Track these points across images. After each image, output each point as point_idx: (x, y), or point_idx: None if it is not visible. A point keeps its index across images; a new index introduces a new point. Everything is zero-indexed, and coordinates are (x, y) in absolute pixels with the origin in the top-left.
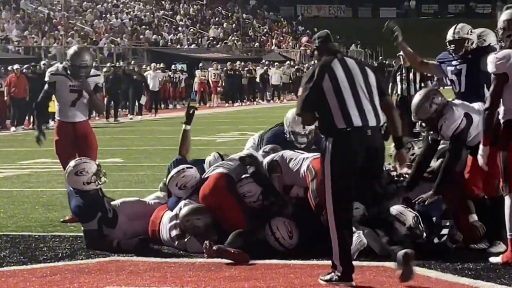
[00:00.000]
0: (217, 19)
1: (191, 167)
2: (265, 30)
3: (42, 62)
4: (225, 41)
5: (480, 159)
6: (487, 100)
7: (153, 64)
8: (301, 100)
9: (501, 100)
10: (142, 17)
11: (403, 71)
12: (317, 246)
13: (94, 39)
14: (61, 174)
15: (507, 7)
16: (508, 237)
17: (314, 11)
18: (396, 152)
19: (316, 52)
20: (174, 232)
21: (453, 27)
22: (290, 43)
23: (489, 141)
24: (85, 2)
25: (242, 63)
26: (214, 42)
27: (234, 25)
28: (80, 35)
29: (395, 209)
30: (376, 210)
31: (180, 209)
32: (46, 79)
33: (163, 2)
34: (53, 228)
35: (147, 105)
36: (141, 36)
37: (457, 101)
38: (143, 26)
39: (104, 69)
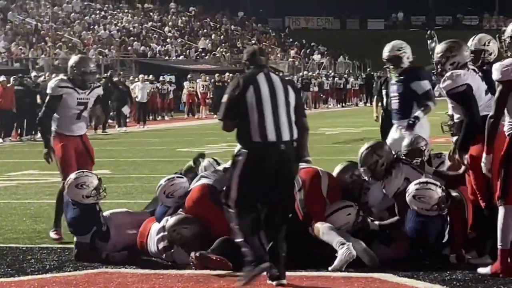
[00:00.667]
0: (205, 30)
1: (182, 177)
2: (254, 41)
3: (33, 74)
4: (214, 52)
5: (484, 167)
6: (492, 108)
7: (141, 76)
8: (224, 107)
9: (506, 111)
10: (130, 28)
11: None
12: (304, 256)
13: (82, 50)
14: (48, 186)
15: None
16: (499, 247)
17: (303, 23)
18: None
19: (245, 66)
20: (161, 245)
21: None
22: (279, 55)
23: (492, 149)
24: (73, 14)
25: (231, 75)
26: (203, 54)
27: (222, 36)
28: (68, 47)
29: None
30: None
31: (167, 220)
32: (51, 91)
33: (151, 14)
34: (40, 240)
35: (135, 117)
36: (129, 48)
37: (401, 165)
38: (131, 38)
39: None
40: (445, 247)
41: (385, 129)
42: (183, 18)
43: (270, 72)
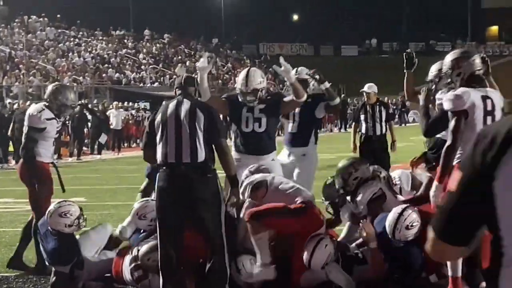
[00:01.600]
0: (180, 57)
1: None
2: (228, 68)
3: (8, 101)
4: None
5: (432, 198)
6: (448, 138)
7: (115, 103)
8: (143, 136)
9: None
10: (105, 55)
11: (368, 109)
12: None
13: (56, 77)
14: (23, 214)
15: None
16: (449, 275)
17: (277, 49)
18: (230, 190)
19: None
20: (136, 274)
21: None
22: None
23: (444, 178)
24: (47, 41)
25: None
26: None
27: (197, 63)
28: (42, 74)
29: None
30: None
31: (138, 250)
32: (35, 124)
33: (125, 41)
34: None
35: (110, 144)
36: (104, 75)
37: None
38: (106, 65)
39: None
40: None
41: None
42: (158, 45)
43: (184, 99)
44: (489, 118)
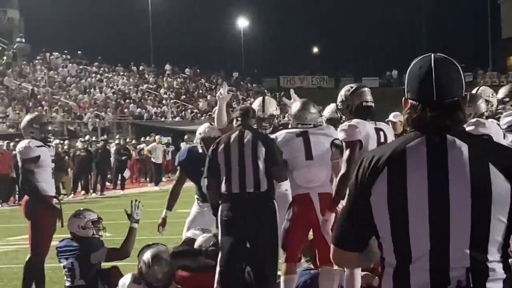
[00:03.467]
0: (201, 91)
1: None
2: (249, 101)
3: None
4: (209, 113)
5: (323, 226)
6: (342, 167)
7: (157, 137)
8: (206, 166)
9: None
10: (126, 90)
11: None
12: None
13: (78, 113)
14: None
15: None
16: None
17: (297, 82)
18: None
19: (235, 121)
20: None
21: None
22: None
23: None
24: (68, 77)
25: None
26: (199, 115)
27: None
28: (64, 110)
29: None
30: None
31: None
32: (27, 155)
33: (146, 76)
34: None
35: (151, 178)
36: (125, 110)
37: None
38: (127, 100)
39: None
40: None
41: None
42: (178, 79)
43: (246, 130)
44: None
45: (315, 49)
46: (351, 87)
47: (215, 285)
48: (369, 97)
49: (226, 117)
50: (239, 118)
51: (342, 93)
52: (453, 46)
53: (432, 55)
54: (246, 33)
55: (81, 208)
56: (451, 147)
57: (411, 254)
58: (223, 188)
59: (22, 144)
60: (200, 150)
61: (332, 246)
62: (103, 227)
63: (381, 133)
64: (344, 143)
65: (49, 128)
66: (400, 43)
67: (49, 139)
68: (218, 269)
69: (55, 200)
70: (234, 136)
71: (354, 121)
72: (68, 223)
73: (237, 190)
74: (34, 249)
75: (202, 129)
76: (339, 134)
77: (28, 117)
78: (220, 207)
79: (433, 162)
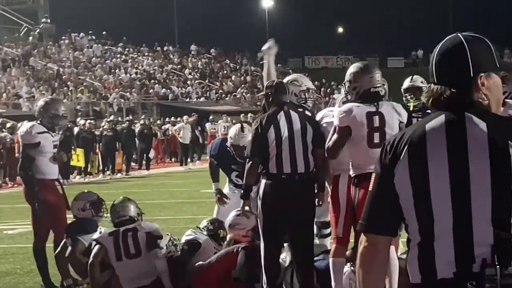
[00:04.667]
0: (225, 72)
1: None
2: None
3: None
4: (234, 93)
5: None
6: (328, 151)
7: (185, 117)
8: (250, 146)
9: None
10: (151, 71)
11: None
12: None
13: (103, 94)
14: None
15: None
16: None
17: (322, 62)
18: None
19: (266, 101)
20: None
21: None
22: None
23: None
24: (94, 58)
25: (252, 115)
26: (223, 95)
27: (242, 77)
28: (89, 91)
29: None
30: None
31: None
32: (27, 140)
33: (171, 56)
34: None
35: (179, 158)
36: (150, 91)
37: None
38: (152, 81)
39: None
40: None
41: None
42: (203, 60)
43: (290, 110)
44: (376, 135)
45: (340, 29)
46: (361, 69)
47: (262, 262)
48: (378, 82)
49: (275, 73)
50: (270, 94)
51: (351, 72)
52: (479, 26)
53: (460, 34)
54: (271, 13)
55: (85, 191)
56: (470, 125)
57: (434, 232)
58: (271, 168)
59: (24, 128)
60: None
61: (362, 236)
62: (105, 209)
63: (376, 117)
64: (334, 128)
65: (60, 122)
66: (425, 22)
67: (56, 128)
68: (262, 250)
69: (56, 183)
70: (280, 115)
71: (345, 107)
72: (71, 207)
73: (288, 171)
74: (34, 233)
75: (232, 133)
76: (334, 120)
77: (44, 101)
78: (264, 187)
79: (453, 141)
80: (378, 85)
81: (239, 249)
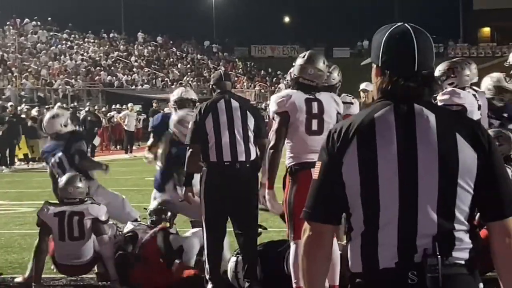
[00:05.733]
0: (171, 60)
1: None
2: (220, 70)
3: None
4: (180, 81)
5: (268, 204)
6: (272, 138)
7: (130, 105)
8: (189, 133)
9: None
10: (97, 58)
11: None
12: None
13: (48, 80)
14: (18, 216)
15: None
16: (294, 285)
17: (268, 51)
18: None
19: (212, 90)
20: None
21: None
22: (245, 83)
23: (273, 182)
24: (39, 44)
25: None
26: (169, 83)
27: (188, 65)
28: (34, 77)
29: None
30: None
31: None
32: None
33: (117, 43)
34: (12, 270)
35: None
36: (96, 78)
37: None
38: (98, 67)
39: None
40: None
41: None
42: (149, 47)
43: (231, 98)
44: (314, 121)
45: (287, 19)
46: (302, 58)
47: (205, 250)
48: (311, 73)
49: None
50: (214, 86)
51: (296, 63)
52: (424, 17)
53: (407, 25)
54: (218, 1)
55: (54, 108)
56: (419, 116)
57: (379, 222)
58: (211, 156)
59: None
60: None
61: (305, 224)
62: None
63: (314, 104)
64: (275, 115)
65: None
66: (371, 13)
67: None
68: (205, 239)
69: None
70: (221, 103)
71: (283, 93)
72: (46, 127)
73: (228, 159)
74: None
75: (177, 91)
76: (270, 105)
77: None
78: (206, 175)
79: (402, 131)
80: (309, 77)
81: (156, 232)
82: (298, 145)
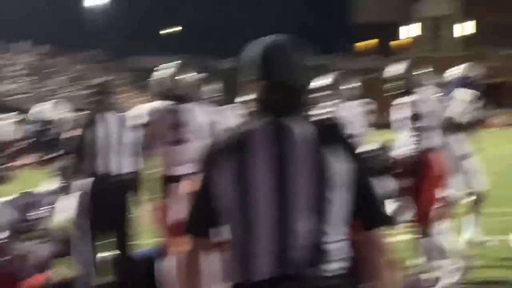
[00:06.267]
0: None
1: None
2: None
3: None
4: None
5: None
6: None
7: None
8: (71, 146)
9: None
10: None
11: None
12: None
13: None
14: None
15: None
16: None
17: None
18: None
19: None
20: None
21: None
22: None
23: None
24: None
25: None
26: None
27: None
28: None
29: None
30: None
31: None
32: None
33: None
34: None
35: None
36: None
37: None
38: None
39: None
40: None
41: None
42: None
43: (109, 114)
44: (179, 132)
45: (171, 29)
46: (173, 71)
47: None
48: (188, 84)
49: None
50: (96, 96)
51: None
52: (306, 29)
53: (282, 37)
54: (97, 12)
55: None
56: (293, 129)
57: (254, 235)
58: (88, 168)
59: None
60: None
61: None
62: None
63: (180, 115)
64: (141, 126)
65: None
66: (255, 24)
67: None
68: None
69: None
70: (98, 117)
71: (151, 104)
72: None
73: (103, 171)
74: None
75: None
76: (138, 117)
77: None
78: (82, 187)
79: (276, 144)
80: (188, 86)
81: None
82: (165, 157)
